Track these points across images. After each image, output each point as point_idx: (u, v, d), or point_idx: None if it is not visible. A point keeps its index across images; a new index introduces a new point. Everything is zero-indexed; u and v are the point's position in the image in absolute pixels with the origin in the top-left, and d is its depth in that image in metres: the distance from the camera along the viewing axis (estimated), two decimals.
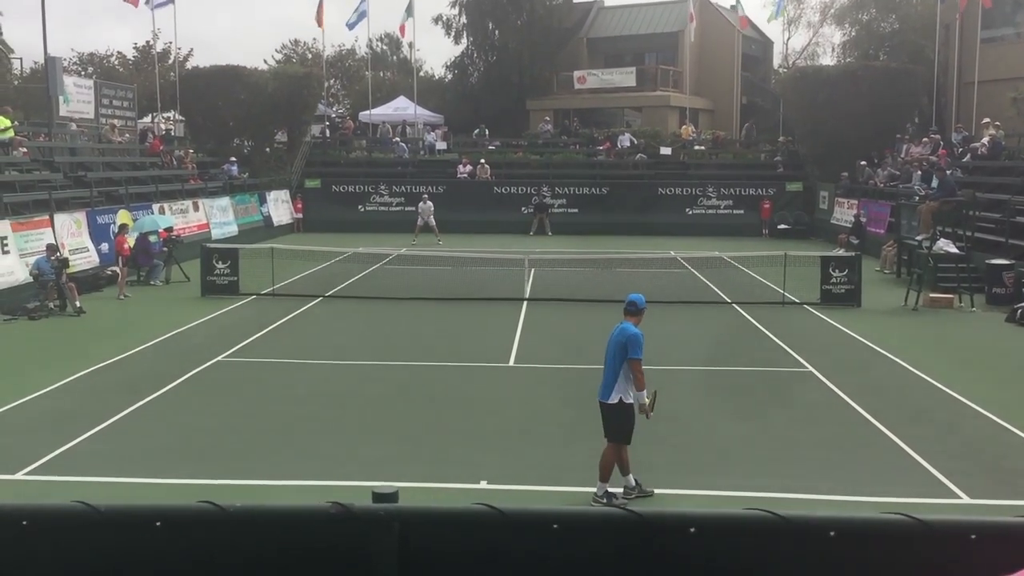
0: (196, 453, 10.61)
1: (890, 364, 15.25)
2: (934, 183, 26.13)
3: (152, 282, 24.04)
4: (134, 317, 19.39)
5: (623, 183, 40.73)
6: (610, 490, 9.21)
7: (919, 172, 29.77)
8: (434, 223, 35.51)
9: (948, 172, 26.67)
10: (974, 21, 36.76)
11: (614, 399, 9.24)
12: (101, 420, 11.63)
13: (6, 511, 1.98)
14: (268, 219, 37.59)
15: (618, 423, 9.24)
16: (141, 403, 12.47)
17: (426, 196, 37.23)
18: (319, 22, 46.75)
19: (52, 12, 49.80)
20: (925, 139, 34.19)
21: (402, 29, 49.27)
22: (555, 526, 1.93)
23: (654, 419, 9.64)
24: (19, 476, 9.78)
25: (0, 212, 21.58)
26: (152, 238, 24.68)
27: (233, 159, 38.86)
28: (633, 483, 9.34)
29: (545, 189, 39.54)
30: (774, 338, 17.20)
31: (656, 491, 9.43)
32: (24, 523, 1.96)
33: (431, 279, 23.66)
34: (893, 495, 9.20)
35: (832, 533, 1.90)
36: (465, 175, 41.13)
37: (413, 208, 40.03)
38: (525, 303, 21.01)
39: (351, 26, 46.97)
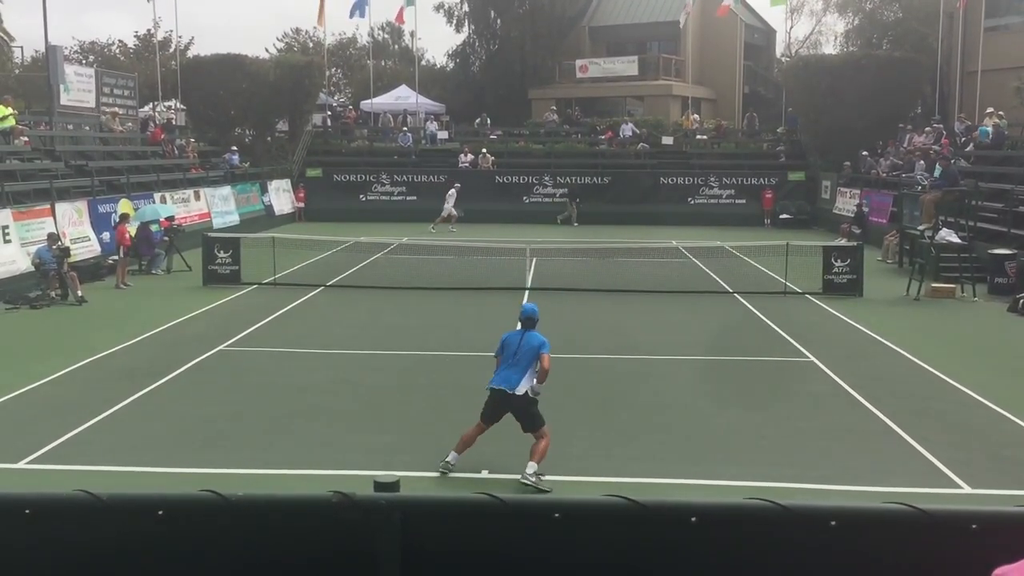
0: (198, 442, 10.63)
1: (892, 354, 15.24)
2: (936, 173, 26.05)
3: (154, 271, 24.05)
4: (136, 306, 19.40)
5: (625, 173, 40.69)
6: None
7: (922, 162, 29.70)
8: (454, 212, 35.60)
9: (951, 162, 26.59)
10: (978, 9, 36.62)
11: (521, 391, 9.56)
12: (103, 409, 11.65)
13: (9, 500, 1.99)
14: (269, 208, 37.57)
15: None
16: (143, 392, 12.49)
17: (457, 184, 36.88)
18: (320, 19, 46.91)
19: (53, 1, 49.58)
20: (928, 128, 34.10)
21: (399, 16, 49.09)
22: (556, 515, 1.94)
23: (655, 409, 9.65)
24: (21, 465, 9.80)
25: (1, 201, 21.56)
26: (153, 227, 24.67)
27: (234, 148, 38.82)
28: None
29: (577, 179, 39.31)
30: (776, 328, 17.19)
31: (657, 480, 9.44)
32: (27, 512, 1.96)
33: (433, 268, 23.64)
34: (894, 485, 9.20)
35: (833, 523, 1.90)
36: (467, 165, 41.06)
37: (415, 197, 40.06)
38: (527, 292, 21.00)
39: (352, 14, 46.91)
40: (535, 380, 9.61)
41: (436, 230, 33.94)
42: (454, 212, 35.61)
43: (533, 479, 9.19)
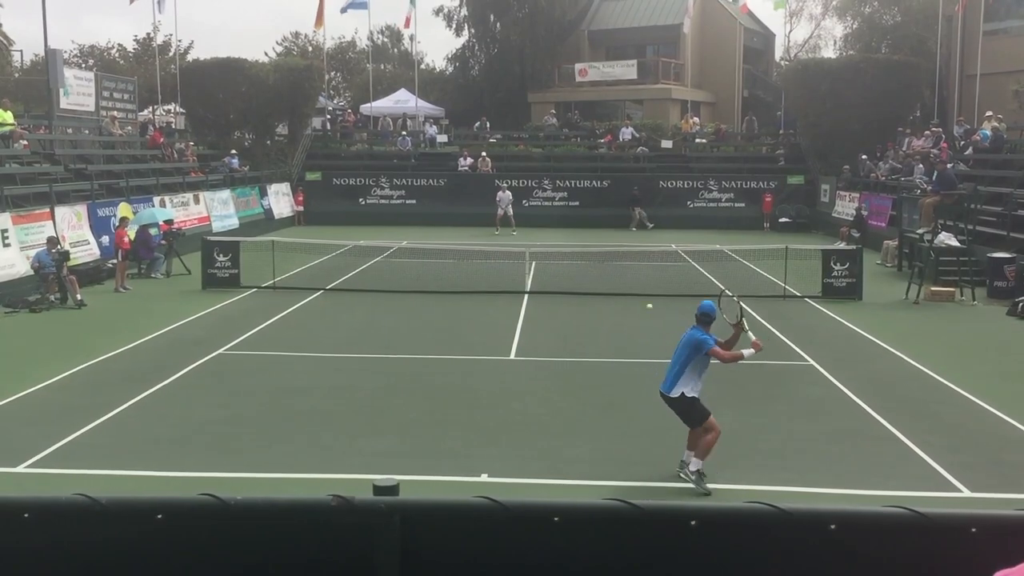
0: (197, 446, 10.63)
1: (891, 357, 15.24)
2: (935, 176, 26.07)
3: (153, 275, 24.05)
4: (135, 310, 19.39)
5: (624, 176, 40.69)
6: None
7: (921, 165, 29.72)
8: (511, 213, 36.20)
9: (949, 165, 26.60)
10: (976, 13, 36.67)
11: (676, 393, 9.26)
12: (102, 413, 11.64)
13: (8, 503, 1.99)
14: (269, 212, 37.58)
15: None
16: (142, 396, 12.48)
17: (504, 186, 37.57)
18: (319, 20, 46.88)
19: (52, 4, 49.67)
20: (927, 132, 34.13)
21: (407, 21, 49.16)
22: (556, 519, 1.93)
23: (654, 411, 9.64)
24: (21, 469, 9.79)
25: (1, 205, 21.57)
26: (152, 231, 24.68)
27: (234, 152, 38.84)
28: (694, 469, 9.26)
29: (636, 187, 39.10)
30: (775, 331, 17.18)
31: (656, 484, 9.44)
32: (26, 515, 1.96)
33: (432, 272, 23.65)
34: (893, 488, 9.21)
35: (832, 526, 1.90)
36: (466, 168, 41.10)
37: (414, 201, 40.24)
38: (526, 296, 21.00)
39: (343, 10, 46.85)
40: (699, 378, 9.21)
41: (500, 232, 34.65)
42: (500, 212, 36.31)
43: (693, 476, 8.97)
